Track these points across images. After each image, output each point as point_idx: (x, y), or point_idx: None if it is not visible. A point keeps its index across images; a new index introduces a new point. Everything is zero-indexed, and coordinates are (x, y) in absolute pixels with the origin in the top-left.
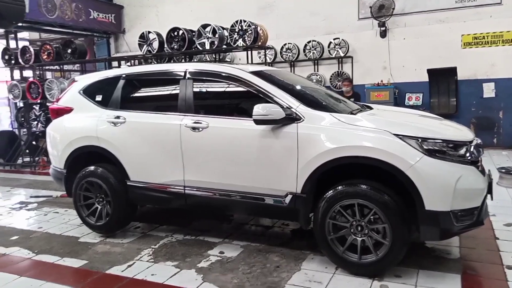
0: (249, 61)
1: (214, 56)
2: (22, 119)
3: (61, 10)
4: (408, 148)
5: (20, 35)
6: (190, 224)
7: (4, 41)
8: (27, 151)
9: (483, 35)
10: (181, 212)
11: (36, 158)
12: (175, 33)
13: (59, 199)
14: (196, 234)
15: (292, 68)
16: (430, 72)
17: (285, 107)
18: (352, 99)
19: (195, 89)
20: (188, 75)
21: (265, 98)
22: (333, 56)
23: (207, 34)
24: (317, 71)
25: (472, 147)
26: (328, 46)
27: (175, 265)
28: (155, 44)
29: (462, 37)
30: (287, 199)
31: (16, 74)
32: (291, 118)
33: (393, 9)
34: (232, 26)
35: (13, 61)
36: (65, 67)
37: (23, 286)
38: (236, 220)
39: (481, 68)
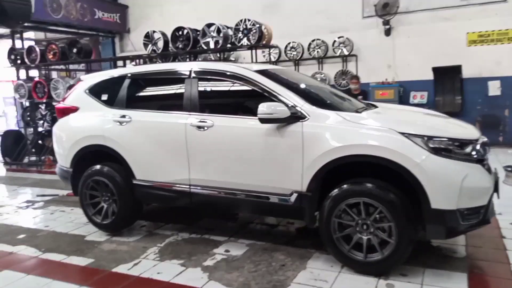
0: (254, 60)
1: (218, 55)
2: (28, 118)
3: (66, 10)
4: (413, 146)
5: (25, 35)
6: (195, 223)
7: (10, 41)
8: (33, 150)
9: (488, 33)
10: (187, 211)
11: (42, 157)
12: (180, 33)
13: (65, 198)
14: (202, 233)
15: (297, 67)
16: (435, 70)
17: (290, 105)
18: (361, 97)
19: (200, 88)
20: (193, 74)
21: (270, 97)
22: (338, 54)
23: (212, 33)
24: (322, 69)
25: (478, 146)
26: (333, 45)
27: (181, 264)
28: (160, 44)
29: (467, 35)
30: (293, 198)
31: (22, 73)
32: (296, 116)
33: (398, 7)
34: (236, 25)
35: (19, 61)
36: (71, 66)
37: (30, 284)
38: (241, 219)
39: (486, 66)
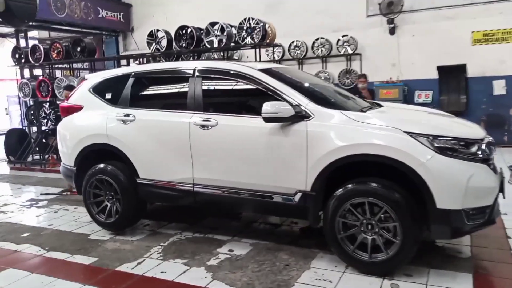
0: (257, 59)
1: (222, 54)
2: (32, 117)
3: (70, 9)
4: (419, 146)
5: (29, 34)
6: (199, 222)
7: (14, 40)
8: (37, 149)
9: (493, 32)
10: (190, 210)
11: (46, 156)
12: (184, 31)
13: (69, 197)
14: (205, 232)
15: (300, 66)
16: (440, 69)
17: (294, 104)
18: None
19: (204, 87)
20: (197, 73)
21: (274, 95)
22: (342, 53)
23: (215, 32)
24: (326, 68)
25: (484, 145)
26: (337, 44)
27: (184, 263)
28: (164, 42)
29: (471, 34)
30: (297, 197)
31: (26, 72)
32: (300, 115)
33: (402, 5)
34: (240, 24)
35: (23, 60)
36: (75, 65)
37: (35, 282)
38: (245, 218)
39: (491, 65)
